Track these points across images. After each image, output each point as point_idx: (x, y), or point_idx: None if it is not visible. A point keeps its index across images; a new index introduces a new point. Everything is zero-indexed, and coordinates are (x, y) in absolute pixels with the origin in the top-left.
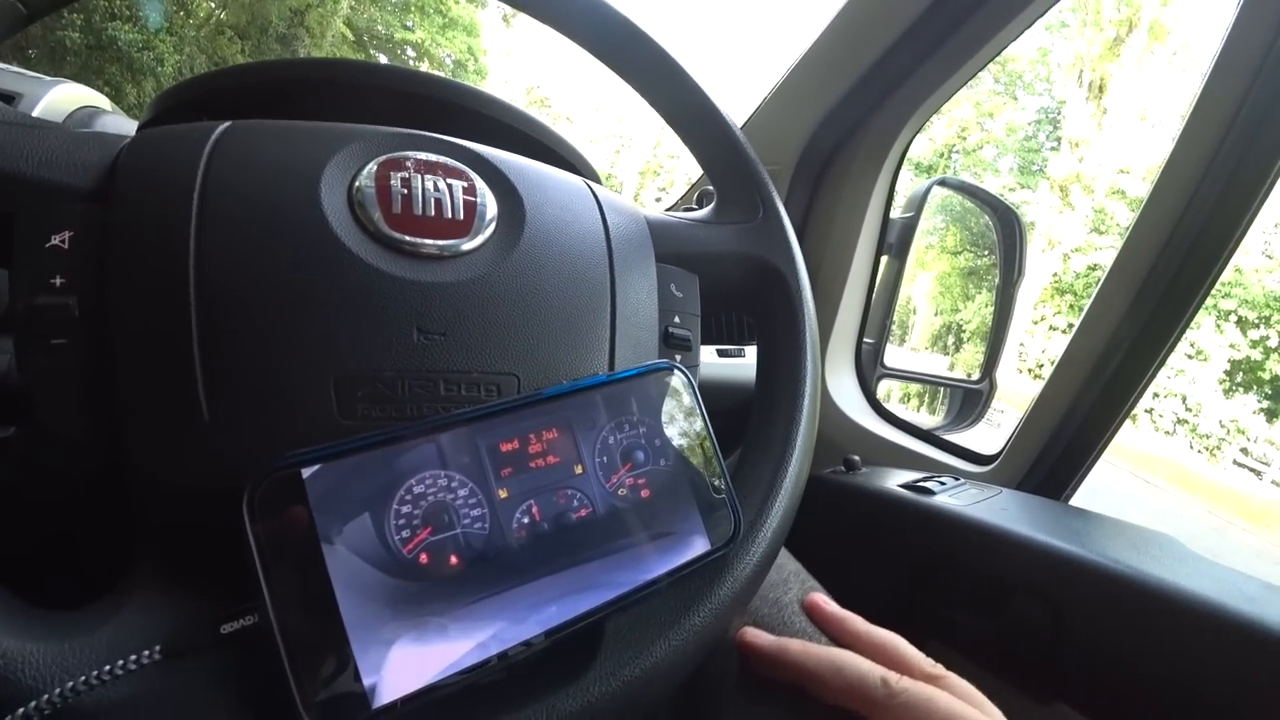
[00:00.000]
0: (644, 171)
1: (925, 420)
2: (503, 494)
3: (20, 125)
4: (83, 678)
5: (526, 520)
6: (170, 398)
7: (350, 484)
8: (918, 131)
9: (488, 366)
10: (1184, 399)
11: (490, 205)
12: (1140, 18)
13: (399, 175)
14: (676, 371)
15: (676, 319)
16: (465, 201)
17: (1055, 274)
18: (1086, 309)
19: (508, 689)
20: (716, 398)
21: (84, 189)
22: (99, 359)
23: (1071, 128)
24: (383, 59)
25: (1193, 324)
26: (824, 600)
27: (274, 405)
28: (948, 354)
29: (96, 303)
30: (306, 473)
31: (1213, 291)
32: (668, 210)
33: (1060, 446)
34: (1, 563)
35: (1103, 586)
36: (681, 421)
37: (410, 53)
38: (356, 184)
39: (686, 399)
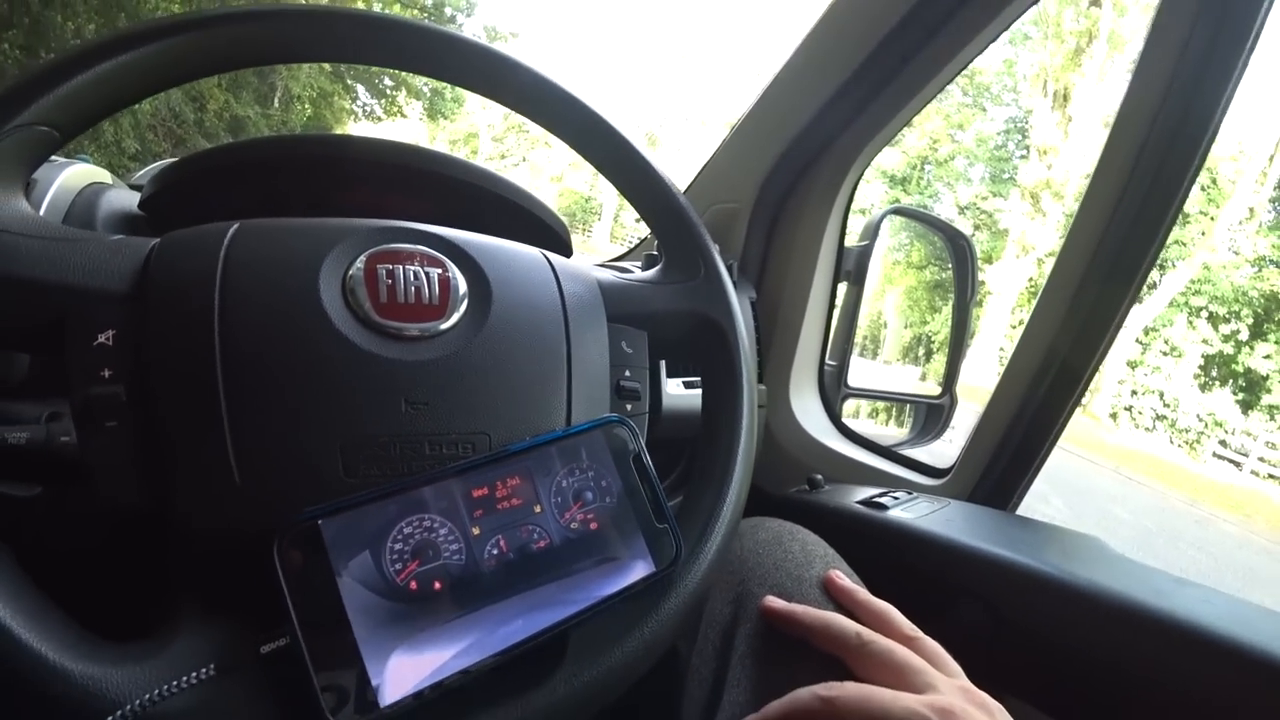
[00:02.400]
0: None
1: (894, 433)
2: (476, 531)
3: (64, 240)
4: (156, 691)
5: (496, 551)
6: (208, 465)
7: (355, 528)
8: (867, 166)
9: (463, 428)
10: (1161, 395)
11: (461, 286)
12: (1099, 28)
13: (384, 267)
14: (621, 424)
15: (627, 372)
16: (440, 286)
17: (1030, 279)
18: (1024, 327)
19: (487, 690)
20: (683, 424)
21: (121, 292)
22: (145, 436)
23: (1039, 136)
24: (361, 89)
25: (1166, 321)
26: (838, 576)
27: (292, 468)
28: (919, 364)
29: (140, 390)
30: (322, 522)
31: (1184, 289)
32: (632, 249)
33: (1005, 458)
34: (60, 604)
35: (1034, 587)
36: (627, 464)
37: (388, 82)
38: (349, 275)
39: (631, 445)
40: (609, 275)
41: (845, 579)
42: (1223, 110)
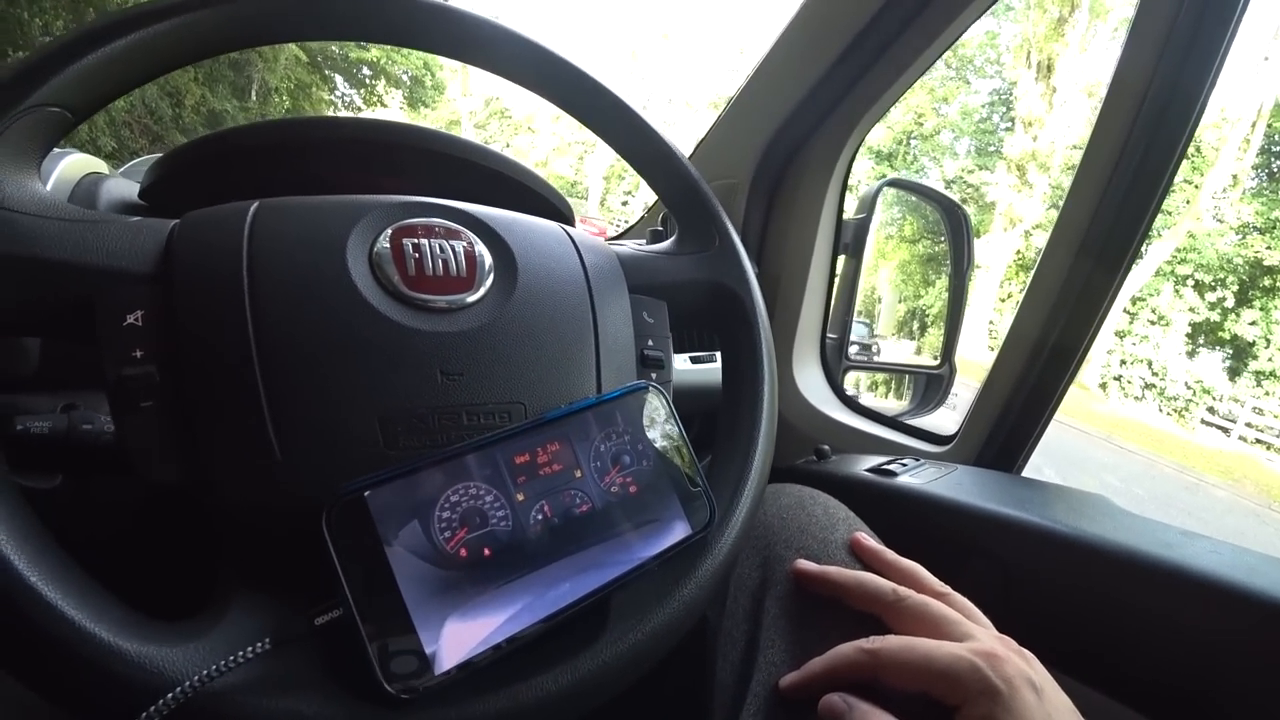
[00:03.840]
0: (609, 176)
1: (895, 405)
2: (520, 497)
3: (86, 222)
4: (214, 667)
5: (540, 517)
6: (248, 442)
7: (402, 499)
8: (863, 139)
9: (499, 398)
10: (1150, 364)
11: (487, 259)
12: None
13: (410, 241)
14: (652, 389)
15: (650, 342)
16: (466, 259)
17: (1018, 251)
18: (1024, 293)
19: (537, 656)
20: (692, 399)
21: (146, 272)
22: (182, 415)
23: (1023, 108)
24: (339, 79)
25: (1153, 291)
26: (864, 538)
27: (332, 442)
28: (914, 339)
29: (173, 369)
30: (368, 494)
31: (1170, 258)
32: (630, 228)
33: (1009, 422)
34: (103, 583)
35: (1044, 544)
36: (659, 428)
37: (366, 71)
38: (375, 250)
39: (662, 411)
40: (625, 248)
41: (871, 540)
42: (1211, 83)
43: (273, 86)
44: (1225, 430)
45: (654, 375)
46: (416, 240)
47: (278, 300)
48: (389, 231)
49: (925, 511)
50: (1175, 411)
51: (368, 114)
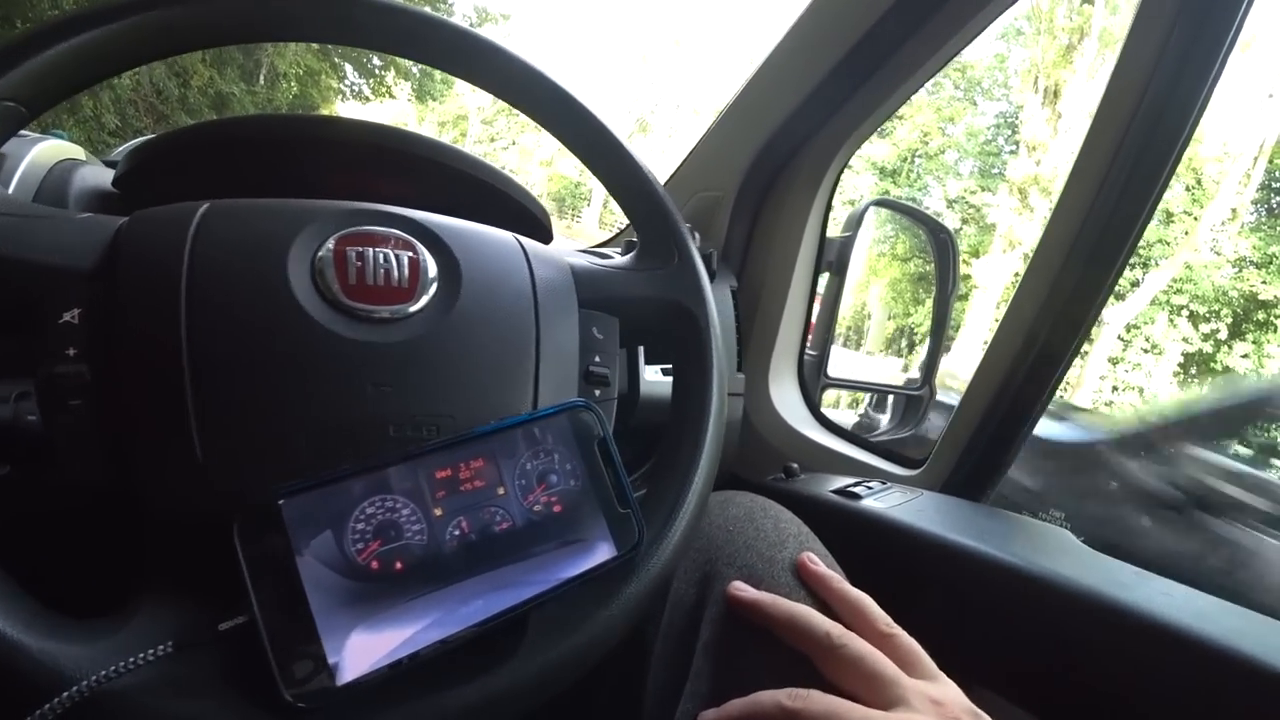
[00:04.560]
0: None
1: (876, 421)
2: (438, 512)
3: (31, 217)
4: (112, 667)
5: (458, 533)
6: (171, 446)
7: (317, 509)
8: (849, 158)
9: (429, 410)
10: (1141, 392)
11: (431, 269)
12: (1091, 25)
13: (353, 249)
14: (587, 408)
15: (597, 358)
16: (410, 269)
17: (1016, 273)
18: (1000, 320)
19: (447, 671)
20: (661, 411)
21: (88, 270)
22: (110, 415)
23: (1029, 132)
24: (349, 69)
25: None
26: (811, 560)
27: (256, 448)
28: (901, 356)
29: (105, 369)
30: (283, 502)
31: (1166, 288)
32: (614, 238)
33: (978, 450)
34: (24, 581)
35: (999, 577)
36: (592, 448)
37: (376, 61)
38: (318, 257)
39: (596, 430)
40: (582, 260)
41: (819, 564)
42: (1202, 104)
43: (281, 72)
44: None
45: (598, 392)
46: (361, 249)
47: (214, 304)
48: (334, 239)
49: (885, 537)
50: None
51: (376, 105)
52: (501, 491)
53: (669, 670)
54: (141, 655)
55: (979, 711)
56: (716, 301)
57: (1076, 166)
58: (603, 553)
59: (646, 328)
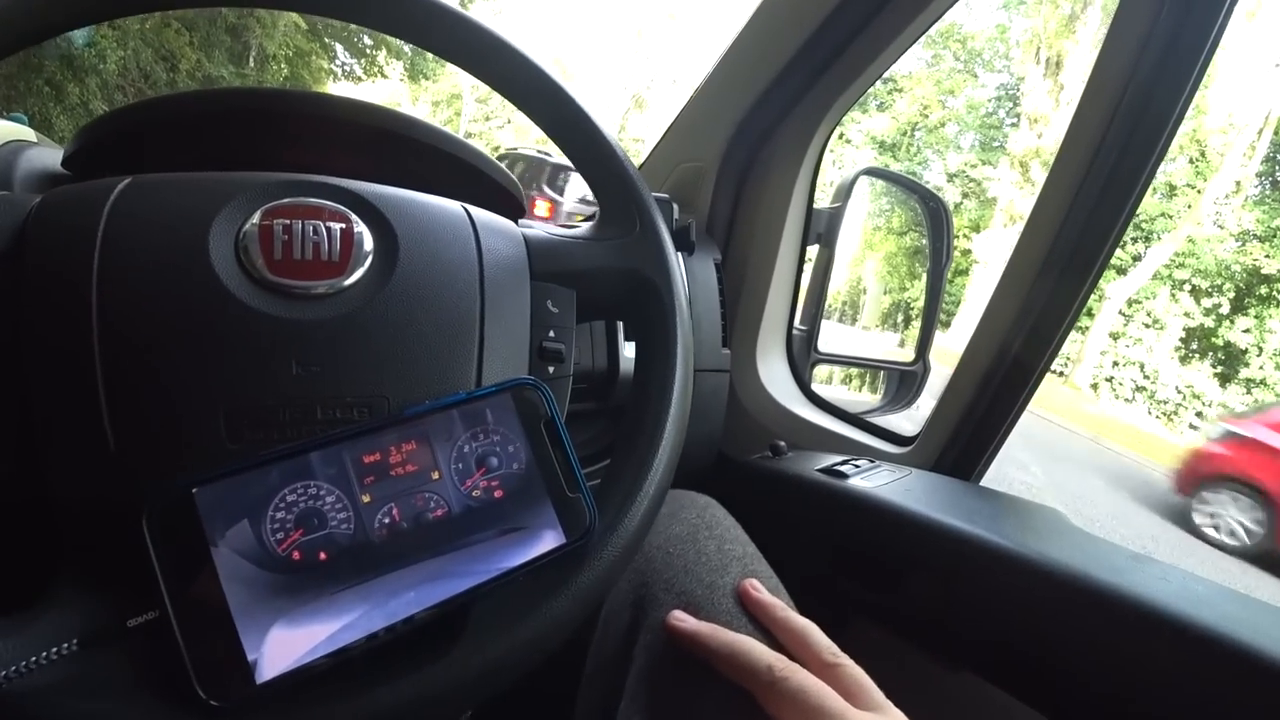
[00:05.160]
0: None
1: (868, 400)
2: (366, 499)
3: None
4: (14, 667)
5: (388, 520)
6: (81, 434)
7: (233, 497)
8: (835, 125)
9: (359, 391)
10: (1142, 367)
11: (366, 243)
12: None
13: (280, 222)
14: (533, 385)
15: (551, 333)
16: (343, 241)
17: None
18: (989, 299)
19: (380, 666)
20: None
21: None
22: (18, 404)
23: (1030, 104)
24: (339, 48)
25: (1149, 294)
26: (754, 586)
27: (171, 435)
28: (898, 331)
29: (13, 353)
30: (196, 490)
31: (1168, 262)
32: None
33: (969, 428)
34: None
35: (988, 560)
36: (539, 429)
37: (367, 41)
38: (243, 232)
39: (543, 409)
40: (539, 231)
41: (762, 591)
42: (1195, 80)
43: (270, 53)
44: None
45: (552, 369)
46: (288, 221)
47: (128, 285)
48: (260, 212)
49: (872, 517)
50: (1164, 415)
51: (368, 84)
52: (436, 476)
53: (600, 693)
54: (45, 654)
55: None
56: (698, 275)
57: (1069, 134)
58: (549, 541)
59: (606, 300)
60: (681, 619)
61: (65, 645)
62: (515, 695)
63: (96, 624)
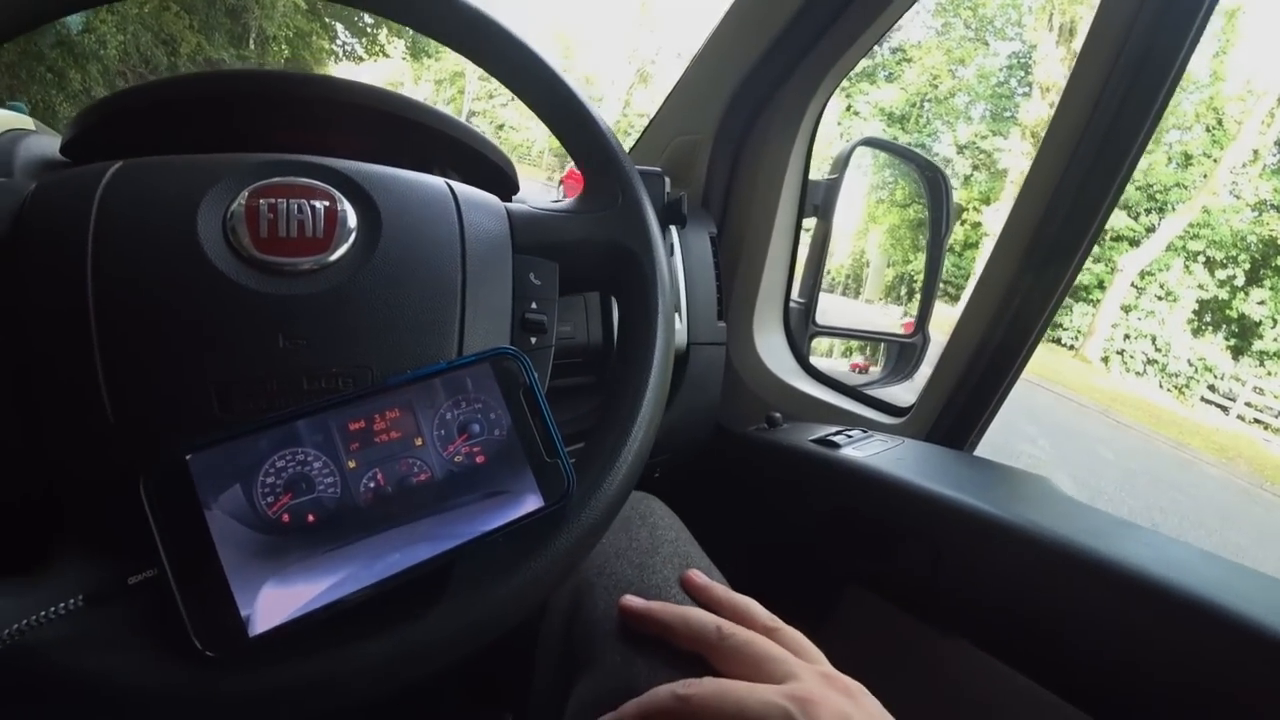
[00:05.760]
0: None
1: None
2: (351, 464)
3: None
4: (23, 621)
5: (373, 485)
6: (80, 407)
7: (225, 463)
8: (830, 95)
9: (344, 363)
10: (1154, 340)
11: (350, 218)
12: None
13: (266, 201)
14: (512, 356)
15: (534, 305)
16: (326, 219)
17: None
18: (983, 267)
19: (364, 623)
20: None
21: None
22: (20, 380)
23: (1043, 72)
24: (340, 28)
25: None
26: (696, 575)
27: (165, 406)
28: (901, 304)
29: (16, 331)
30: (190, 457)
31: (1182, 233)
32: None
33: (962, 397)
34: None
35: (974, 527)
36: (518, 397)
37: (368, 20)
38: (230, 212)
39: (523, 378)
40: (522, 205)
41: (701, 577)
42: (1192, 41)
43: (270, 35)
44: (1224, 409)
45: (534, 340)
46: (274, 200)
47: (121, 264)
48: (246, 192)
49: (862, 486)
50: (1176, 388)
51: (370, 64)
52: (419, 442)
53: (552, 677)
54: (52, 609)
55: (865, 691)
56: (693, 247)
57: (1061, 104)
58: (529, 504)
59: (589, 272)
60: (632, 600)
61: (70, 601)
62: (476, 683)
63: (98, 583)
